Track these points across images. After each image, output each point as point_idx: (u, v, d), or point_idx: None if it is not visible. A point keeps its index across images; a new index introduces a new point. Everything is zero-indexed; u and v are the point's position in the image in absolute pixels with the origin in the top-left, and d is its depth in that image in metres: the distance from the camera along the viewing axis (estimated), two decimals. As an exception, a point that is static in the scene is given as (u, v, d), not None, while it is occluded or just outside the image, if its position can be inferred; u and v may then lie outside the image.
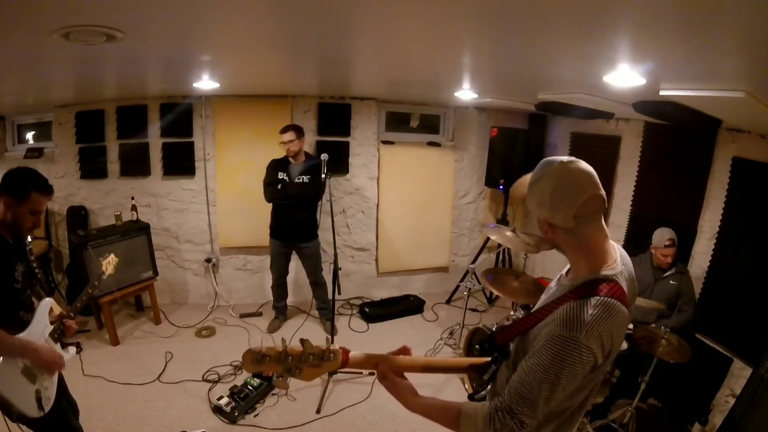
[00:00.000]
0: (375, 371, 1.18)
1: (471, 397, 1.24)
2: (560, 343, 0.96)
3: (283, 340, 1.11)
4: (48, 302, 1.84)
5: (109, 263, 2.20)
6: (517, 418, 0.99)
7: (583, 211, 1.02)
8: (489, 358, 1.25)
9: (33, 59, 2.07)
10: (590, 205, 1.02)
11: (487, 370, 1.25)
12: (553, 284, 1.23)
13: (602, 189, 1.04)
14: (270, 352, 1.06)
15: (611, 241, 1.10)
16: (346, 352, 1.14)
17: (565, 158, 1.05)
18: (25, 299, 1.75)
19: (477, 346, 1.30)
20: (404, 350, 1.22)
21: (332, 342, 1.14)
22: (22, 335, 1.68)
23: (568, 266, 1.18)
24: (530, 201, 1.08)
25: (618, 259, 1.08)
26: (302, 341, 1.10)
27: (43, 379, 1.74)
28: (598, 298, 0.98)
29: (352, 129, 4.30)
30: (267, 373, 1.06)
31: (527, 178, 1.13)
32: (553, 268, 4.09)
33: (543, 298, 1.21)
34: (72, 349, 1.94)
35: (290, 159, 3.54)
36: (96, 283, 2.06)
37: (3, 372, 1.60)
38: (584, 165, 1.04)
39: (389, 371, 1.15)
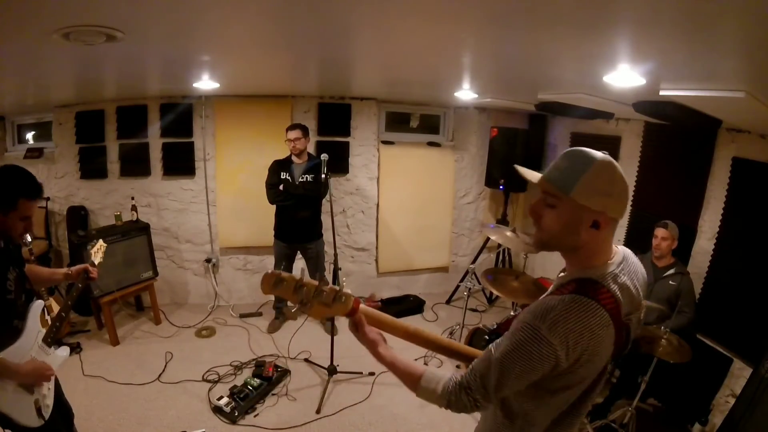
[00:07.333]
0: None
1: None
2: (523, 329, 0.93)
3: (302, 270, 1.16)
4: (39, 305, 1.75)
5: (98, 251, 2.03)
6: (472, 396, 1.00)
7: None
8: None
9: (33, 59, 2.07)
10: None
11: None
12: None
13: None
14: (288, 278, 1.11)
15: (616, 246, 1.06)
16: (357, 301, 1.15)
17: (600, 153, 0.96)
18: (19, 307, 1.66)
19: (486, 337, 1.33)
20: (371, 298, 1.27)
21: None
22: (15, 346, 1.61)
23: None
24: (584, 190, 0.93)
25: (614, 260, 1.01)
26: (320, 277, 1.13)
27: (40, 387, 1.70)
28: (573, 295, 0.93)
29: (352, 129, 4.30)
30: (285, 299, 1.13)
31: (534, 174, 1.06)
32: (553, 268, 4.08)
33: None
34: (65, 349, 1.88)
35: (293, 159, 3.55)
36: (85, 277, 1.90)
37: (1, 388, 1.55)
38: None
39: (364, 322, 1.16)
